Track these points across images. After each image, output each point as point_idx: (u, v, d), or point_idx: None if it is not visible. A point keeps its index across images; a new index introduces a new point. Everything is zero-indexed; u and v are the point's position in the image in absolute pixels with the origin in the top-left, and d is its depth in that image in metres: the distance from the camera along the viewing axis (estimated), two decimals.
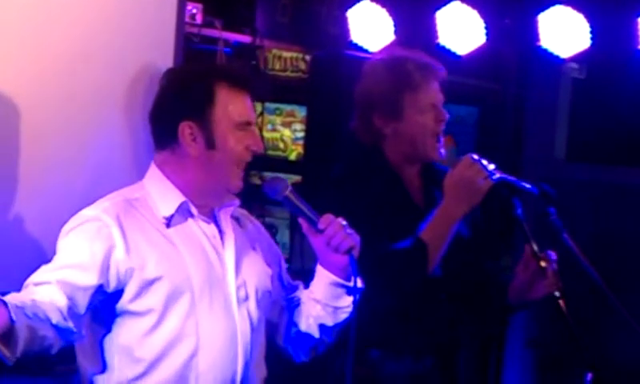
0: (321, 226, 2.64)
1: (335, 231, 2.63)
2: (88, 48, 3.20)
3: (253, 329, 2.67)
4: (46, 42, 3.10)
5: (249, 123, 2.67)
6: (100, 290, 2.53)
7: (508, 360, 5.60)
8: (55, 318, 2.43)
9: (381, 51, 3.50)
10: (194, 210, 2.66)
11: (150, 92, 3.37)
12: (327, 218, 2.65)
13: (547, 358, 5.33)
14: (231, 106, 2.64)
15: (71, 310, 2.47)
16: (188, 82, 2.68)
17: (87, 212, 2.60)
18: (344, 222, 2.65)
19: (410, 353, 3.24)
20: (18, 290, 2.48)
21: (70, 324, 2.47)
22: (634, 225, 5.22)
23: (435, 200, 3.26)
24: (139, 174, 2.85)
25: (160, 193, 2.65)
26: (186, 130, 2.62)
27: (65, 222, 2.61)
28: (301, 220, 2.67)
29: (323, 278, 2.72)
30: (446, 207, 3.16)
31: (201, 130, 2.62)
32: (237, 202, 2.74)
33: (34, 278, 2.51)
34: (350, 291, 2.70)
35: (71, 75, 3.16)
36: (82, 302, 2.50)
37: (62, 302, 2.46)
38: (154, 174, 2.69)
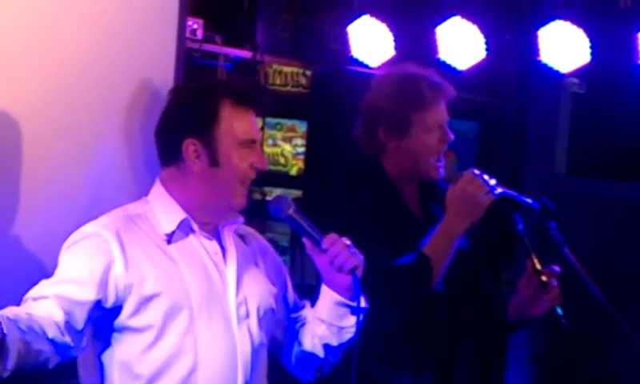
0: (324, 245, 2.63)
1: (339, 251, 2.62)
2: (89, 63, 3.20)
3: (253, 347, 2.66)
4: (46, 57, 3.10)
5: (253, 141, 2.67)
6: (98, 305, 2.53)
7: (510, 376, 5.59)
8: (52, 333, 2.43)
9: (394, 65, 3.48)
10: (195, 227, 2.65)
11: (151, 107, 3.38)
12: (331, 237, 2.63)
13: (549, 374, 5.32)
14: (236, 123, 2.63)
15: (69, 325, 2.47)
16: (192, 99, 2.68)
17: (87, 228, 2.60)
18: (348, 242, 2.64)
19: (411, 368, 3.23)
20: (17, 304, 2.48)
21: (67, 339, 2.47)
22: (634, 239, 5.22)
23: (433, 215, 3.26)
24: (139, 188, 2.85)
25: (162, 209, 2.65)
26: (190, 147, 2.62)
27: (65, 237, 2.61)
28: (304, 239, 2.66)
29: (327, 297, 2.71)
30: (448, 222, 3.16)
31: (205, 147, 2.62)
32: (241, 219, 2.74)
33: (33, 292, 2.51)
34: (353, 311, 2.68)
35: (71, 90, 3.16)
36: (80, 317, 2.50)
37: (60, 316, 2.45)
38: (157, 190, 2.69)
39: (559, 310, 3.13)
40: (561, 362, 3.95)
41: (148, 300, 2.55)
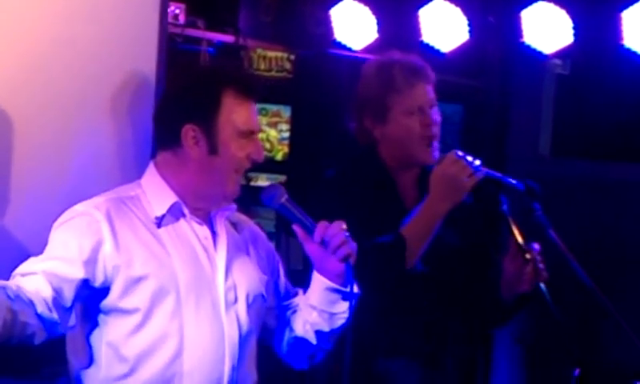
0: (318, 230, 2.62)
1: (335, 233, 2.62)
2: (69, 49, 3.18)
3: (241, 333, 2.66)
4: (25, 43, 3.08)
5: (252, 132, 2.68)
6: (86, 284, 2.53)
7: (496, 356, 5.61)
8: (40, 308, 2.44)
9: (379, 53, 3.49)
10: (186, 211, 2.66)
11: (134, 93, 3.36)
12: (323, 224, 2.64)
13: (535, 354, 5.34)
14: (237, 113, 2.64)
15: (56, 301, 2.47)
16: (195, 85, 2.68)
17: (79, 207, 2.61)
18: (343, 226, 2.64)
19: (400, 352, 3.23)
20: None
21: (55, 315, 2.47)
22: (619, 219, 5.23)
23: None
24: (124, 176, 2.84)
25: (154, 192, 2.66)
26: (189, 132, 2.63)
27: (49, 227, 2.61)
28: (295, 226, 2.67)
29: (319, 283, 2.71)
30: (429, 204, 3.17)
31: (204, 134, 2.63)
32: (234, 206, 2.75)
33: (21, 268, 2.51)
34: (345, 297, 2.69)
35: (52, 76, 3.14)
36: (68, 294, 2.50)
37: (48, 292, 2.46)
38: (151, 173, 2.70)
39: (543, 287, 3.13)
40: (547, 342, 3.96)
41: (135, 282, 2.55)
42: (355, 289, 2.68)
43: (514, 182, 3.21)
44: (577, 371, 3.02)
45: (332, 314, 2.73)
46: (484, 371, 5.57)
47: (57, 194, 3.08)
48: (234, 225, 2.77)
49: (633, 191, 5.29)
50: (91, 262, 2.53)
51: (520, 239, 3.18)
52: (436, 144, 3.27)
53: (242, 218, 2.81)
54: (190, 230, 2.66)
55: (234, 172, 2.66)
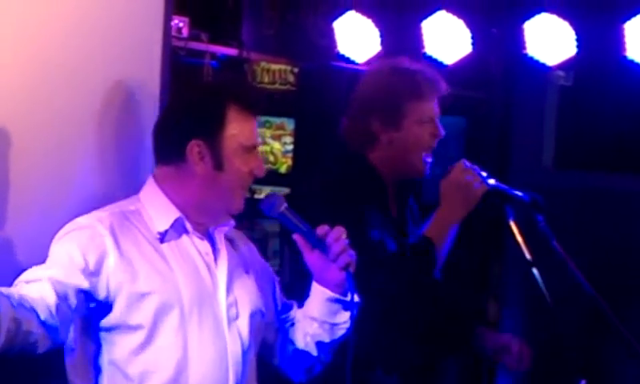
0: (320, 231, 2.63)
1: (336, 238, 2.63)
2: (73, 62, 3.19)
3: (243, 348, 2.65)
4: (30, 58, 3.08)
5: (254, 147, 2.69)
6: (89, 296, 2.52)
7: (500, 366, 5.59)
8: (43, 315, 2.42)
9: (388, 59, 3.47)
10: (188, 227, 2.65)
11: (138, 106, 3.37)
12: (324, 227, 2.64)
13: (540, 365, 5.33)
14: (241, 128, 2.65)
15: (60, 309, 2.45)
16: (200, 101, 2.69)
17: (82, 220, 2.60)
18: (344, 234, 2.64)
19: (398, 370, 3.23)
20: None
21: (58, 323, 2.45)
22: (622, 231, 5.23)
23: (404, 215, 3.26)
24: (126, 188, 2.83)
25: (155, 207, 2.66)
26: (194, 148, 2.62)
27: (50, 238, 2.60)
28: (296, 236, 2.67)
29: (319, 294, 2.71)
30: (442, 212, 3.17)
31: (209, 149, 2.62)
32: (232, 222, 2.74)
33: (25, 276, 2.50)
34: (346, 306, 2.68)
35: (56, 89, 3.15)
36: (72, 301, 2.48)
37: (52, 298, 2.44)
38: (151, 188, 2.69)
39: (548, 297, 3.12)
40: (552, 352, 3.95)
41: (139, 298, 2.54)
42: (356, 298, 2.67)
43: (519, 194, 3.21)
44: (583, 382, 3.01)
45: (333, 325, 2.72)
46: (488, 380, 5.57)
47: (59, 205, 3.08)
48: (231, 241, 2.77)
49: (636, 202, 5.29)
50: (95, 274, 2.52)
51: (526, 251, 3.18)
52: (431, 157, 3.28)
53: (237, 234, 2.81)
54: (192, 245, 2.65)
55: (240, 187, 2.66)
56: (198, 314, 2.59)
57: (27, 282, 2.47)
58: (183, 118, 2.66)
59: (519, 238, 3.16)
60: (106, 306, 2.54)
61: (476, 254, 5.40)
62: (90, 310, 2.54)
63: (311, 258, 2.67)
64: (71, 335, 2.56)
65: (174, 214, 2.64)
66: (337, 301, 2.69)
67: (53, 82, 3.13)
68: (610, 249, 5.17)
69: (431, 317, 3.20)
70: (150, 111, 3.40)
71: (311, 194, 3.11)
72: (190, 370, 2.56)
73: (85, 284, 2.51)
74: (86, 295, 2.52)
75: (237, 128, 2.64)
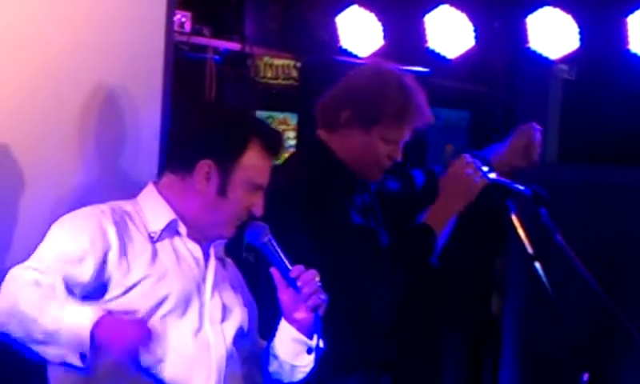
0: (293, 274, 2.63)
1: (309, 280, 2.63)
2: (77, 57, 3.19)
3: (227, 351, 2.67)
4: (32, 55, 3.09)
5: (261, 187, 2.70)
6: (89, 284, 2.53)
7: (503, 361, 5.60)
8: None
9: (396, 68, 3.39)
10: (182, 229, 2.69)
11: (140, 100, 3.37)
12: (299, 268, 2.65)
13: (543, 358, 5.33)
14: (256, 164, 2.67)
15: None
16: (226, 124, 2.71)
17: (85, 209, 2.63)
18: (317, 277, 2.64)
19: (362, 368, 3.23)
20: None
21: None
22: (626, 225, 5.22)
23: (368, 208, 3.26)
24: (128, 188, 2.84)
25: (152, 208, 2.69)
26: (204, 167, 2.64)
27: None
28: (273, 269, 2.67)
29: (285, 332, 2.72)
30: (442, 202, 3.20)
31: (219, 173, 2.65)
32: (223, 240, 2.75)
33: (35, 263, 2.47)
34: (310, 350, 2.69)
35: (59, 84, 3.15)
36: (77, 292, 2.50)
37: (61, 289, 2.44)
38: (150, 192, 2.73)
39: (550, 291, 3.12)
40: (555, 346, 3.95)
41: (129, 289, 2.56)
42: (321, 343, 2.67)
43: (521, 187, 3.22)
44: (585, 376, 3.01)
45: (293, 367, 2.74)
46: (491, 375, 5.57)
47: (59, 205, 3.08)
48: (221, 260, 2.79)
49: None
50: (100, 260, 2.53)
51: (528, 245, 3.18)
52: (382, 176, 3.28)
53: (227, 258, 2.82)
54: (184, 246, 2.69)
55: (236, 219, 2.69)
56: (182, 310, 2.61)
57: (41, 273, 2.45)
58: (204, 135, 2.68)
59: (521, 232, 3.17)
60: (98, 291, 2.55)
61: (479, 248, 5.40)
62: (85, 296, 2.54)
63: (284, 295, 2.68)
64: None
65: (169, 215, 2.68)
66: (302, 342, 2.70)
67: (54, 80, 3.14)
68: (613, 242, 5.16)
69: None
70: (153, 106, 3.42)
71: (286, 199, 3.07)
72: (167, 362, 2.57)
73: (91, 270, 2.52)
74: (84, 285, 2.53)
75: (253, 162, 2.66)
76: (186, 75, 4.12)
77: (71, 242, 2.54)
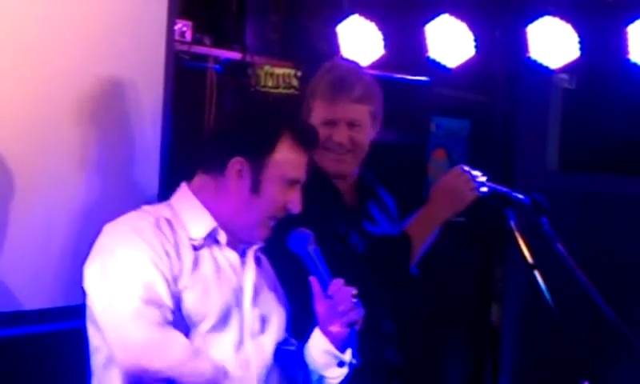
0: (331, 290, 2.59)
1: (345, 298, 2.58)
2: (78, 67, 3.20)
3: (267, 364, 2.66)
4: (35, 64, 3.10)
5: (298, 181, 2.64)
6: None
7: (502, 370, 5.60)
8: None
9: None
10: (222, 238, 2.64)
11: (141, 109, 3.38)
12: (338, 282, 2.60)
13: (543, 366, 5.33)
14: (289, 158, 2.61)
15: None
16: (256, 119, 2.66)
17: (140, 222, 2.55)
18: (354, 292, 2.59)
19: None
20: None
21: None
22: (626, 234, 5.23)
23: (366, 207, 3.25)
24: (136, 195, 2.84)
25: (190, 215, 2.63)
26: (236, 165, 2.59)
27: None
28: (312, 279, 2.62)
29: (318, 343, 2.67)
30: (428, 210, 3.21)
31: (251, 170, 2.59)
32: (260, 243, 2.71)
33: (151, 313, 2.47)
34: (341, 364, 2.66)
35: (61, 94, 3.16)
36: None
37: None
38: (185, 195, 2.67)
39: (550, 300, 3.12)
40: (555, 354, 3.95)
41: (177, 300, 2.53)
42: (353, 360, 2.65)
43: (520, 196, 3.22)
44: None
45: (322, 377, 2.70)
46: (492, 382, 5.58)
47: (61, 206, 3.09)
48: (258, 260, 2.75)
49: None
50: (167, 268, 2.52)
51: (527, 254, 3.18)
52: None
53: (262, 257, 2.78)
54: (223, 256, 2.64)
55: (268, 218, 2.63)
56: (223, 323, 2.58)
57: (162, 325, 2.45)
58: (234, 132, 2.64)
59: (520, 241, 3.16)
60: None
61: (479, 257, 5.41)
62: None
63: (321, 306, 2.63)
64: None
65: (210, 222, 2.62)
66: (333, 355, 2.66)
67: (56, 86, 3.14)
68: (614, 251, 5.17)
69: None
70: (155, 115, 3.42)
71: None
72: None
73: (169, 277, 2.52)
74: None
75: (285, 157, 2.60)
76: (187, 84, 4.12)
77: (149, 267, 2.49)
